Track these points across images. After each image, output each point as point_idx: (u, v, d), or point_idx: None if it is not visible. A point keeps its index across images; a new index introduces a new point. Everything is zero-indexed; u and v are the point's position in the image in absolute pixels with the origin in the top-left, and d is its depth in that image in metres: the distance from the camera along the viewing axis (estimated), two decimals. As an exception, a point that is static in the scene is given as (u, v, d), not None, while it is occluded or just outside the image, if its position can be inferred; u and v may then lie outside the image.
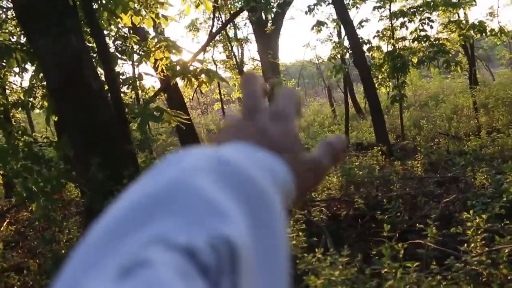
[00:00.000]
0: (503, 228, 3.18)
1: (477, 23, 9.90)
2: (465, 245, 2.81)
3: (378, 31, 10.35)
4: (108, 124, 3.74)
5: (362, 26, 10.04)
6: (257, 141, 0.38)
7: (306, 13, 10.43)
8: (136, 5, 4.82)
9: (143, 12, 4.97)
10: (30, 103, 5.54)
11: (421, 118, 11.77)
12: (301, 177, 0.38)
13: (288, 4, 16.97)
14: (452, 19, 10.55)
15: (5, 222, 6.42)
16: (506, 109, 10.10)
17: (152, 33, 7.41)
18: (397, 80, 9.54)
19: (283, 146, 0.39)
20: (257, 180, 0.31)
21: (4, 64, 4.70)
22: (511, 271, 2.54)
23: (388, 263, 2.43)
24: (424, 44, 9.75)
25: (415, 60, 9.65)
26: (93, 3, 4.11)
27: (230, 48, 15.02)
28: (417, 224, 3.57)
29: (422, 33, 9.75)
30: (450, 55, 10.29)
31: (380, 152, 7.14)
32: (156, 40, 5.22)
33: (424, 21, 9.78)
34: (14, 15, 5.53)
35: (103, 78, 4.17)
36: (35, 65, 4.67)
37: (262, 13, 11.95)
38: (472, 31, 9.88)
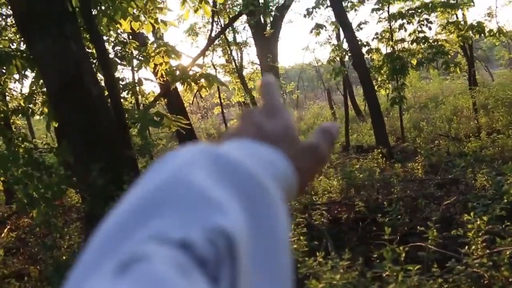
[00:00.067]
0: (504, 230, 3.19)
1: (476, 24, 9.91)
2: (466, 247, 2.81)
3: (377, 33, 10.37)
4: (108, 129, 3.75)
5: (361, 29, 10.05)
6: (255, 136, 0.39)
7: (304, 16, 10.47)
8: (135, 10, 4.83)
9: (142, 18, 4.99)
10: (30, 110, 5.55)
11: (421, 120, 11.77)
12: (302, 166, 0.39)
13: (286, 8, 17.03)
14: (450, 20, 10.56)
15: (6, 229, 6.42)
16: (505, 110, 10.09)
17: (151, 38, 7.43)
18: (397, 82, 9.54)
19: (280, 139, 0.40)
20: (257, 176, 0.31)
21: (4, 71, 4.71)
22: (513, 273, 2.54)
23: (389, 266, 2.43)
24: (423, 46, 9.76)
25: (414, 61, 9.66)
26: (92, 9, 4.12)
27: (229, 52, 15.03)
28: (418, 227, 3.57)
29: (421, 35, 9.77)
30: (449, 56, 10.29)
31: (380, 155, 7.14)
32: (155, 45, 5.23)
33: (422, 23, 9.79)
34: (13, 22, 5.54)
35: (103, 83, 4.18)
36: (35, 71, 4.68)
37: (261, 17, 11.97)
38: (470, 32, 9.89)
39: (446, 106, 13.15)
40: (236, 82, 14.77)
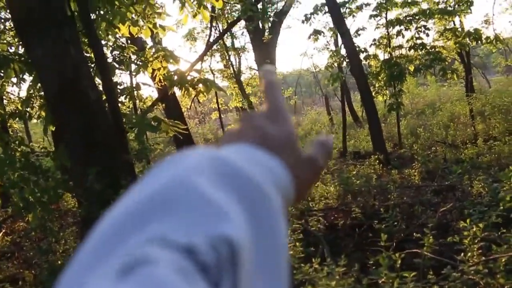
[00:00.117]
0: (500, 237, 3.19)
1: (473, 31, 9.98)
2: (462, 254, 2.81)
3: (374, 40, 10.41)
4: (106, 134, 3.75)
5: (359, 35, 10.09)
6: (256, 141, 0.38)
7: (303, 22, 10.50)
8: (134, 15, 4.84)
9: (141, 23, 5.00)
10: (27, 113, 5.54)
11: (418, 126, 11.80)
12: (299, 176, 0.39)
13: (285, 14, 17.09)
14: (448, 27, 10.63)
15: (1, 233, 6.39)
16: (502, 117, 10.14)
17: (149, 43, 7.44)
18: (394, 88, 9.58)
19: (281, 146, 0.40)
20: (257, 181, 0.31)
21: (2, 74, 4.70)
22: (508, 281, 2.54)
23: (385, 273, 2.43)
24: (420, 52, 9.81)
25: (411, 68, 9.70)
26: (91, 14, 4.13)
27: (227, 58, 15.08)
28: (414, 233, 3.58)
29: (419, 41, 9.82)
30: (447, 63, 10.34)
31: (377, 161, 7.15)
32: (153, 50, 5.24)
33: (420, 29, 9.85)
34: (12, 26, 5.55)
35: (101, 88, 4.18)
36: (33, 75, 4.68)
37: (259, 23, 12.01)
38: (467, 39, 9.95)
39: (443, 113, 13.20)
40: (234, 87, 14.80)
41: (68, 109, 3.67)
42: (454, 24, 10.95)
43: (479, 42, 10.12)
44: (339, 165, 8.21)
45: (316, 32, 10.68)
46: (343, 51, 10.34)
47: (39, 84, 4.59)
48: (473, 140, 9.01)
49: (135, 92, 5.51)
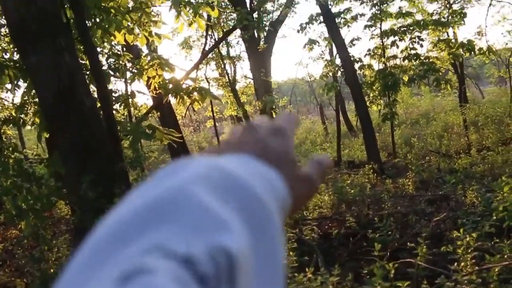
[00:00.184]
0: (493, 247, 3.20)
1: (466, 42, 10.09)
2: (456, 264, 2.82)
3: (369, 50, 10.48)
4: (100, 141, 3.73)
5: (354, 45, 10.16)
6: (257, 153, 0.39)
7: (298, 31, 10.57)
8: (129, 23, 4.85)
9: (137, 30, 5.00)
10: (21, 120, 5.52)
11: (412, 136, 11.87)
12: (296, 192, 0.39)
13: (280, 23, 17.17)
14: (441, 38, 10.73)
15: (-7, 240, 6.33)
16: (495, 127, 10.21)
17: (145, 50, 7.46)
18: (388, 98, 9.63)
19: (281, 160, 0.40)
20: (257, 192, 0.31)
21: (-4, 81, 4.68)
22: (501, 291, 2.55)
23: (379, 282, 2.43)
24: (414, 63, 9.90)
25: (406, 78, 9.77)
26: (87, 21, 4.14)
27: (222, 66, 15.11)
28: (408, 243, 3.58)
29: (413, 52, 9.91)
30: (440, 73, 10.43)
31: (371, 170, 7.17)
32: (149, 58, 5.24)
33: (414, 40, 9.94)
34: (7, 32, 5.54)
35: (95, 95, 4.18)
36: (27, 82, 4.67)
37: (255, 32, 12.07)
38: (461, 50, 10.06)
39: (437, 123, 13.28)
40: (229, 95, 14.81)
41: (62, 116, 3.66)
42: (448, 35, 11.08)
43: (472, 53, 10.23)
44: (333, 175, 8.21)
45: (311, 42, 10.74)
46: (338, 61, 10.41)
47: (33, 91, 4.58)
48: (467, 150, 9.07)
49: (130, 100, 5.50)
